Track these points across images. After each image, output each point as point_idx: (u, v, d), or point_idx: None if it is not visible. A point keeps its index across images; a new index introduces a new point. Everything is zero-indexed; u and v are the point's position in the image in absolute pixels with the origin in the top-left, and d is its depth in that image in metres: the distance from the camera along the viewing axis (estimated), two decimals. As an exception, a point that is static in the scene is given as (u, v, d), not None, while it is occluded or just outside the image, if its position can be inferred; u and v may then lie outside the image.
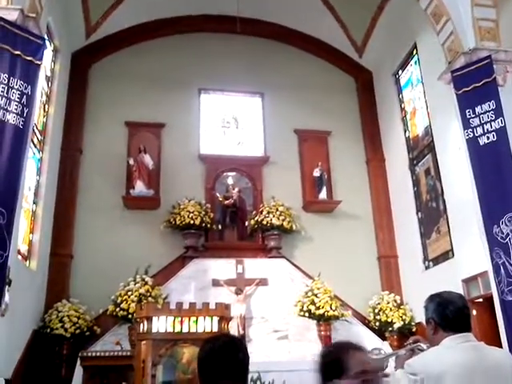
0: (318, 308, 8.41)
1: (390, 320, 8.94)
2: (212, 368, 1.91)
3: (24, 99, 5.88)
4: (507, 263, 6.08)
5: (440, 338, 2.27)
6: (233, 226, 9.94)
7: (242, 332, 8.28)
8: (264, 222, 9.50)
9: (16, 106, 5.79)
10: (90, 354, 6.31)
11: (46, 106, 9.00)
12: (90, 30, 10.17)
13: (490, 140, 6.55)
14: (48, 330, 7.82)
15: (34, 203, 8.28)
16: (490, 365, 2.15)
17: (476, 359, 2.15)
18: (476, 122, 6.68)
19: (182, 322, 5.61)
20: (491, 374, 2.13)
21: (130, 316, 7.69)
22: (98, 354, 6.30)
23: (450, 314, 2.27)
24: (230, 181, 10.30)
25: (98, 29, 10.22)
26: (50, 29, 8.62)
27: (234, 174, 10.48)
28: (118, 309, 7.88)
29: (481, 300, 7.40)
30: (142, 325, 5.63)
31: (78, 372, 6.82)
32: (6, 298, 5.89)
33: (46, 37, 7.25)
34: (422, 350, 2.43)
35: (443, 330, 2.28)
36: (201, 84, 10.93)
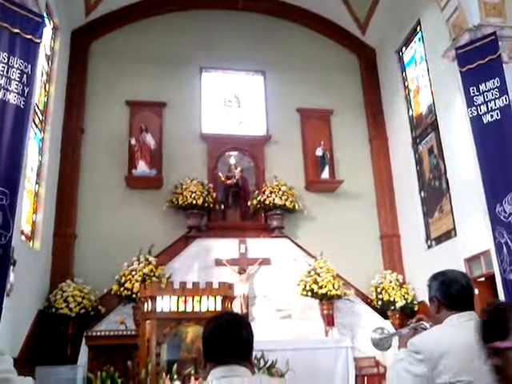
0: (320, 287, 8.46)
1: (392, 299, 8.99)
2: (216, 346, 1.91)
3: (24, 78, 5.84)
4: (510, 242, 6.08)
5: (443, 316, 2.26)
6: (235, 205, 9.93)
7: (245, 311, 8.34)
8: (266, 202, 9.49)
9: (16, 85, 5.75)
10: (94, 334, 6.36)
11: (47, 86, 8.93)
12: (90, 7, 10.02)
13: (493, 118, 6.49)
14: (53, 310, 7.89)
15: (36, 183, 8.27)
16: None
17: None
18: (480, 99, 6.62)
19: (185, 301, 5.65)
20: None
21: (134, 296, 7.75)
22: (102, 333, 6.35)
23: (453, 293, 2.26)
24: (232, 160, 10.26)
25: (98, 6, 10.06)
26: (49, 6, 8.51)
27: (236, 153, 10.43)
28: (122, 288, 7.94)
29: (483, 279, 7.42)
30: (146, 304, 5.67)
31: (84, 351, 6.89)
32: (11, 278, 5.94)
33: (45, 14, 7.17)
34: (425, 329, 2.42)
35: (446, 309, 2.27)
36: (202, 62, 10.82)
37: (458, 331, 2.15)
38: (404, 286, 9.26)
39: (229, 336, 1.90)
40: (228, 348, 1.88)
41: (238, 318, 2.06)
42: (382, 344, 2.68)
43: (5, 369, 2.09)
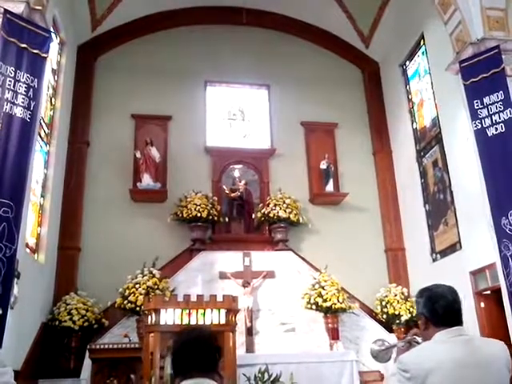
0: (325, 300, 8.41)
1: (397, 312, 8.92)
2: (182, 360, 2.01)
3: (31, 92, 5.90)
4: (516, 255, 6.06)
5: (431, 332, 2.24)
6: (240, 218, 9.93)
7: (249, 324, 8.31)
8: (271, 215, 9.49)
9: (23, 99, 5.81)
10: (98, 347, 6.33)
11: (53, 99, 9.01)
12: (96, 22, 10.15)
13: (498, 131, 6.50)
14: (57, 323, 7.87)
15: (41, 196, 8.30)
16: (483, 358, 2.11)
17: (467, 353, 2.11)
18: (484, 112, 6.64)
19: (189, 314, 5.63)
20: (484, 367, 2.09)
21: (137, 308, 7.74)
22: (106, 346, 6.32)
23: (439, 310, 2.23)
24: (236, 173, 10.29)
25: (104, 21, 10.20)
26: (55, 21, 8.61)
27: (240, 166, 10.46)
28: (125, 301, 7.92)
29: (489, 292, 7.38)
30: (149, 317, 5.66)
31: (87, 364, 6.86)
32: (15, 290, 5.94)
33: (52, 29, 7.25)
34: (418, 343, 2.40)
35: (434, 325, 2.24)
36: (207, 76, 10.90)
37: (446, 348, 2.13)
38: (409, 299, 9.19)
39: (193, 350, 2.00)
40: (193, 362, 1.98)
41: (203, 332, 2.15)
42: (381, 356, 2.67)
43: (5, 381, 2.09)
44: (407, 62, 10.54)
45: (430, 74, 9.47)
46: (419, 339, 2.41)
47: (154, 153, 9.57)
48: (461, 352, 2.11)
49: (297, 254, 9.56)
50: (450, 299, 2.26)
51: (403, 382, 2.10)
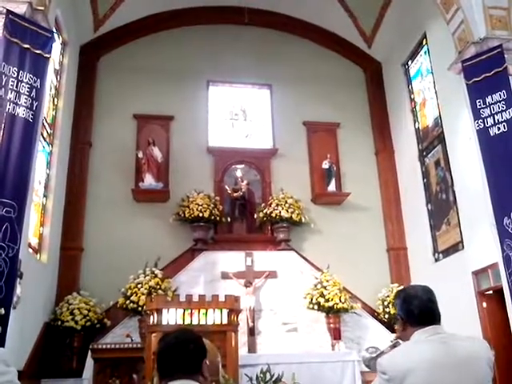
0: (327, 300, 8.41)
1: (399, 312, 8.90)
2: (166, 362, 2.02)
3: (33, 93, 5.91)
4: (518, 255, 6.04)
5: (409, 333, 2.25)
6: (242, 218, 9.93)
7: (251, 324, 8.31)
8: (273, 215, 9.49)
9: (25, 99, 5.82)
10: (100, 347, 6.34)
11: (55, 100, 9.02)
12: (98, 22, 10.17)
13: (500, 131, 6.49)
14: (59, 323, 7.88)
15: (44, 196, 8.32)
16: (461, 358, 2.10)
17: (445, 352, 2.09)
18: (487, 112, 6.63)
19: (191, 314, 5.65)
20: (462, 366, 2.07)
21: (139, 308, 7.75)
22: (108, 346, 6.33)
23: (414, 310, 2.25)
24: (238, 173, 10.28)
25: (106, 21, 10.21)
26: (58, 22, 8.61)
27: (242, 166, 10.45)
28: (128, 301, 7.93)
29: (491, 292, 7.36)
30: (152, 317, 5.67)
31: (89, 364, 6.88)
32: (18, 290, 5.95)
33: (54, 30, 7.27)
34: None
35: (410, 326, 2.25)
36: (209, 76, 10.91)
37: (423, 348, 2.14)
38: (411, 299, 9.18)
39: (176, 352, 2.01)
40: (177, 363, 1.99)
41: (187, 333, 2.14)
42: (373, 363, 2.65)
43: (9, 380, 2.09)
44: (409, 62, 10.53)
45: (432, 73, 9.46)
46: (401, 342, 2.42)
47: (156, 153, 9.58)
48: (438, 351, 2.10)
49: (299, 254, 9.56)
50: (425, 298, 2.28)
51: None
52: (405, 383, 2.04)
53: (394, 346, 2.47)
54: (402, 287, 2.45)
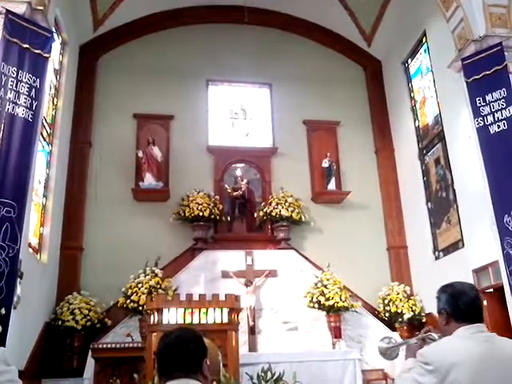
0: (327, 299, 8.41)
1: (399, 311, 8.92)
2: (166, 362, 2.01)
3: (33, 92, 5.91)
4: (518, 253, 6.04)
5: (452, 328, 2.26)
6: (242, 217, 9.94)
7: (251, 323, 8.31)
8: (273, 214, 9.49)
9: (25, 99, 5.82)
10: (101, 346, 6.34)
11: (55, 99, 9.01)
12: (98, 22, 10.16)
13: (500, 128, 6.49)
14: (59, 323, 7.89)
15: (44, 196, 8.31)
16: (503, 356, 2.13)
17: (489, 350, 2.13)
18: (486, 110, 6.62)
19: (192, 313, 5.65)
20: (504, 365, 2.10)
21: (140, 308, 7.75)
22: (109, 345, 6.33)
23: (462, 306, 2.26)
24: (238, 172, 10.29)
25: (106, 21, 10.20)
26: (57, 21, 8.60)
27: (242, 165, 10.46)
28: (128, 301, 7.93)
29: (491, 290, 7.36)
30: (152, 316, 5.67)
31: (90, 364, 6.88)
32: (18, 290, 5.95)
33: (53, 29, 7.26)
34: (434, 340, 2.42)
35: (455, 321, 2.27)
36: (209, 75, 10.90)
37: (468, 343, 2.15)
38: (411, 297, 9.19)
39: (177, 351, 2.00)
40: (177, 363, 1.98)
41: (188, 332, 2.13)
42: (389, 353, 2.67)
43: (10, 379, 2.09)
44: (409, 60, 10.52)
45: (432, 71, 9.45)
46: (435, 336, 2.43)
47: (156, 152, 9.58)
48: (482, 349, 2.13)
49: (299, 253, 9.56)
50: (472, 296, 2.30)
51: (424, 375, 2.10)
52: (449, 377, 2.05)
53: (423, 339, 2.47)
54: (446, 284, 2.44)
